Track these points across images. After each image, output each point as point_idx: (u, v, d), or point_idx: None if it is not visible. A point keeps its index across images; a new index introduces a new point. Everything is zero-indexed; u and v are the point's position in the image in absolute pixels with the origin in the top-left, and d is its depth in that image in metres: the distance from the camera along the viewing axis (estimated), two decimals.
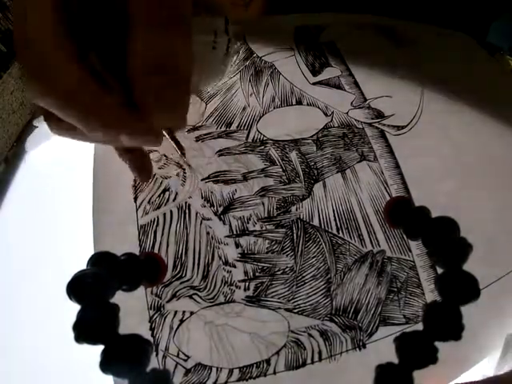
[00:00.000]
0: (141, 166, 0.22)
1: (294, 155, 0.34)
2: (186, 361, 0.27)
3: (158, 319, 0.28)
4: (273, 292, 0.29)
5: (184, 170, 0.34)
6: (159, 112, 0.16)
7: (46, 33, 0.14)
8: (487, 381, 0.23)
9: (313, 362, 0.26)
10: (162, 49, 0.14)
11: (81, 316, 0.16)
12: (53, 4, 0.14)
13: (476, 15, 0.45)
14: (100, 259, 0.18)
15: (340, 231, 0.31)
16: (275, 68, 0.40)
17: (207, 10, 0.18)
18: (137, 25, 0.13)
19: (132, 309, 0.28)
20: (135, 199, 0.32)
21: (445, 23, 0.44)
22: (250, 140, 0.35)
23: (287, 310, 0.28)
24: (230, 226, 0.31)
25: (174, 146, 0.21)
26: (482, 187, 0.32)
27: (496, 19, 0.44)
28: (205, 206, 0.32)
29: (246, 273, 0.29)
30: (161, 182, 0.33)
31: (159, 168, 0.34)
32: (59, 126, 0.18)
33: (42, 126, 0.38)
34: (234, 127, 0.36)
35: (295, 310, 0.28)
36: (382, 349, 0.27)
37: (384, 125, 0.36)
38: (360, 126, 0.36)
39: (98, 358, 0.15)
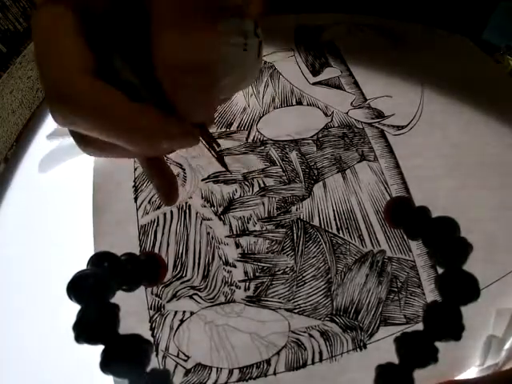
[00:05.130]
0: (169, 188, 0.22)
1: (294, 155, 0.34)
2: (186, 361, 0.27)
3: (158, 319, 0.28)
4: (273, 292, 0.29)
5: (184, 169, 0.33)
6: (193, 110, 0.15)
7: (67, 49, 0.13)
8: (472, 381, 0.23)
9: (313, 363, 0.26)
10: (190, 47, 0.14)
11: (81, 316, 0.15)
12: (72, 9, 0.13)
13: (471, 13, 0.45)
14: (100, 259, 0.18)
15: (340, 231, 0.31)
16: (275, 68, 0.40)
17: (235, 13, 0.17)
18: (160, 23, 0.13)
19: (132, 309, 0.28)
20: (135, 199, 0.32)
21: (441, 23, 0.44)
22: (250, 140, 0.35)
23: (287, 310, 0.28)
24: (230, 226, 0.31)
25: (205, 144, 0.21)
26: (481, 187, 0.32)
27: (490, 16, 0.45)
28: (205, 206, 0.32)
29: (246, 273, 0.29)
30: None
31: None
32: (92, 146, 0.16)
33: (56, 149, 0.36)
34: (234, 127, 0.36)
35: (295, 310, 0.28)
36: (383, 349, 0.27)
37: (384, 125, 0.36)
38: (360, 126, 0.36)
39: (98, 358, 0.15)
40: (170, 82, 0.14)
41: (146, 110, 0.14)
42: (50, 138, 0.36)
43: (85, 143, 0.16)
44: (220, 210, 0.32)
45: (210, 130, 0.18)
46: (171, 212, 0.32)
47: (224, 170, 0.33)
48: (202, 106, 0.16)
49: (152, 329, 0.28)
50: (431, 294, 0.28)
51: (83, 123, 0.14)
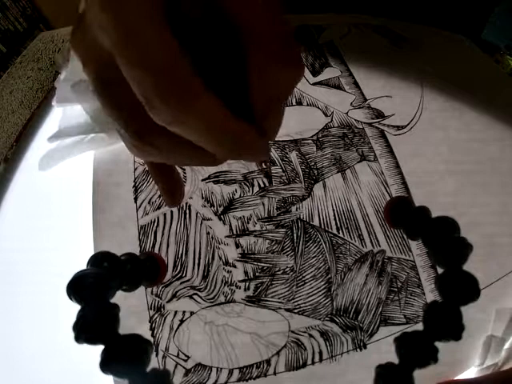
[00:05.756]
0: (174, 189, 0.22)
1: (293, 155, 0.34)
2: (186, 361, 0.27)
3: (158, 319, 0.28)
4: (273, 292, 0.29)
5: (184, 169, 0.33)
6: (275, 131, 0.17)
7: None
8: (472, 381, 0.23)
9: (313, 363, 0.26)
10: (290, 79, 0.15)
11: (81, 316, 0.16)
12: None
13: (471, 13, 0.45)
14: (100, 259, 0.18)
15: (340, 231, 0.31)
16: None
17: None
18: (265, 56, 0.14)
19: (132, 309, 0.28)
20: (135, 199, 0.32)
21: (441, 23, 0.44)
22: None
23: (287, 310, 0.28)
24: (230, 226, 0.31)
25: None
26: (481, 187, 0.32)
27: (489, 16, 0.45)
28: (205, 206, 0.32)
29: (246, 273, 0.29)
30: None
31: None
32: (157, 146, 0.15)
33: (56, 147, 0.36)
34: None
35: (295, 310, 0.28)
36: (383, 349, 0.27)
37: (384, 125, 0.36)
38: (360, 126, 0.36)
39: (98, 358, 0.15)
40: (265, 108, 0.15)
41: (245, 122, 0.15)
42: (50, 140, 0.36)
43: (146, 139, 0.15)
44: (220, 210, 0.32)
45: None
46: (171, 212, 0.32)
47: (224, 170, 0.33)
48: (280, 126, 0.17)
49: (152, 329, 0.28)
50: (431, 294, 0.28)
51: (194, 125, 0.13)
